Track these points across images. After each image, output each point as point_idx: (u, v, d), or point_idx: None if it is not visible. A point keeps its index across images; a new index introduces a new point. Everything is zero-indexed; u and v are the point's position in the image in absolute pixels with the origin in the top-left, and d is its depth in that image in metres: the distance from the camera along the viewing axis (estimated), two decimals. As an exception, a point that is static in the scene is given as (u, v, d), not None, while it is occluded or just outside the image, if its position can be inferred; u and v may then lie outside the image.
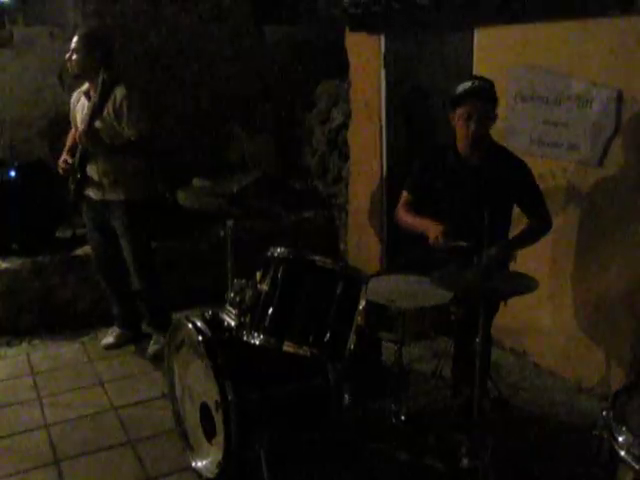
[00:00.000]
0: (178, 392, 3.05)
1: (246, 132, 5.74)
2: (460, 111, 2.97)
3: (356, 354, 2.60)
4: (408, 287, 2.90)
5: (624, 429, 1.80)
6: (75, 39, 3.74)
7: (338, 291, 2.52)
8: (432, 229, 2.94)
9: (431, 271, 2.70)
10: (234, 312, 2.71)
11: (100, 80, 3.63)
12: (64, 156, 3.92)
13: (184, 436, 3.00)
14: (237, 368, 2.61)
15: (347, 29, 5.13)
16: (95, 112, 3.69)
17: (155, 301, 4.09)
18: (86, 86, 3.83)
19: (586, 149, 3.40)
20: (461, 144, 3.05)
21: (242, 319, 2.59)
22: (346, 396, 2.86)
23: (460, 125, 3.00)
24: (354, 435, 2.96)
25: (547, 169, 3.58)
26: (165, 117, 5.43)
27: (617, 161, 3.29)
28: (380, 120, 4.88)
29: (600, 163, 3.36)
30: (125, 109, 3.68)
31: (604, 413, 1.90)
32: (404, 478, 2.78)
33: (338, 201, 5.58)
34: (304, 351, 2.49)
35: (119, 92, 3.69)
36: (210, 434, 2.75)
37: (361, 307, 2.60)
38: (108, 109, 3.70)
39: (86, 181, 3.88)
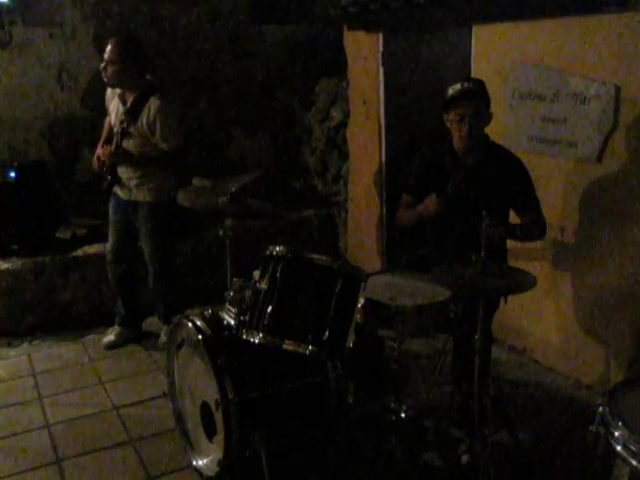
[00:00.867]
0: (178, 391, 3.06)
1: (245, 131, 5.75)
2: (452, 114, 2.97)
3: (356, 352, 2.61)
4: (407, 285, 2.90)
5: (620, 424, 1.81)
6: (109, 49, 3.68)
7: (337, 289, 2.52)
8: (428, 203, 3.01)
9: (431, 269, 2.71)
10: (234, 311, 2.71)
11: (135, 95, 3.66)
12: (99, 150, 3.87)
13: (185, 435, 3.01)
14: (237, 367, 2.61)
15: (345, 28, 5.14)
16: (125, 131, 3.71)
17: (170, 300, 4.13)
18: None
19: (584, 146, 3.40)
20: (457, 145, 3.06)
21: (241, 318, 2.59)
22: (347, 394, 2.86)
23: (454, 127, 3.00)
24: (354, 433, 2.97)
25: (546, 166, 3.59)
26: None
27: (616, 158, 3.29)
28: (379, 118, 4.89)
29: (599, 160, 3.36)
30: (159, 123, 3.67)
31: (600, 409, 1.90)
32: (404, 475, 2.78)
33: (337, 199, 5.59)
34: (303, 349, 2.49)
35: (153, 104, 3.67)
36: (211, 433, 2.76)
37: (360, 305, 2.60)
38: (142, 120, 3.70)
39: (117, 181, 3.90)
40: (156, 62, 5.26)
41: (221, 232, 3.31)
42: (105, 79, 3.76)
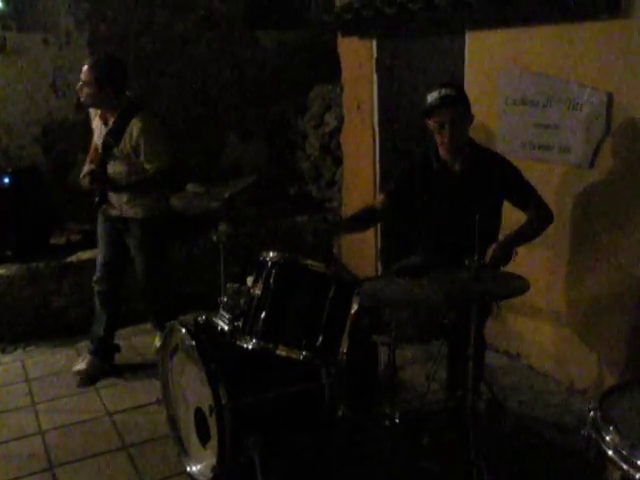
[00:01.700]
0: (172, 397, 3.06)
1: (240, 137, 5.76)
2: (431, 122, 2.99)
3: (350, 358, 2.61)
4: (401, 290, 2.91)
5: (611, 429, 1.82)
6: (85, 70, 3.58)
7: (331, 295, 2.53)
8: None
9: (424, 275, 2.72)
10: (227, 316, 2.71)
11: (116, 115, 3.58)
12: (86, 168, 3.74)
13: (179, 441, 3.00)
14: (231, 372, 2.61)
15: (339, 34, 5.16)
16: (109, 153, 3.61)
17: (163, 310, 4.00)
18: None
19: (577, 151, 3.42)
20: (441, 151, 3.07)
21: (235, 323, 2.60)
22: (341, 400, 2.86)
23: (435, 134, 3.01)
24: (348, 438, 2.97)
25: (538, 172, 3.60)
26: (157, 123, 5.44)
27: (608, 163, 3.31)
28: (373, 124, 4.90)
29: (591, 165, 3.38)
30: (142, 145, 3.57)
31: (592, 413, 1.91)
32: (398, 480, 2.79)
33: (332, 205, 5.60)
34: (297, 355, 2.50)
35: (136, 126, 3.56)
36: (204, 438, 2.76)
37: (354, 311, 2.61)
38: (124, 142, 3.60)
39: (105, 199, 3.78)
40: (150, 68, 5.32)
41: (215, 237, 3.31)
42: (82, 99, 3.68)
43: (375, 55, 4.75)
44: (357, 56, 4.96)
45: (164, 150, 3.64)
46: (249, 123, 5.75)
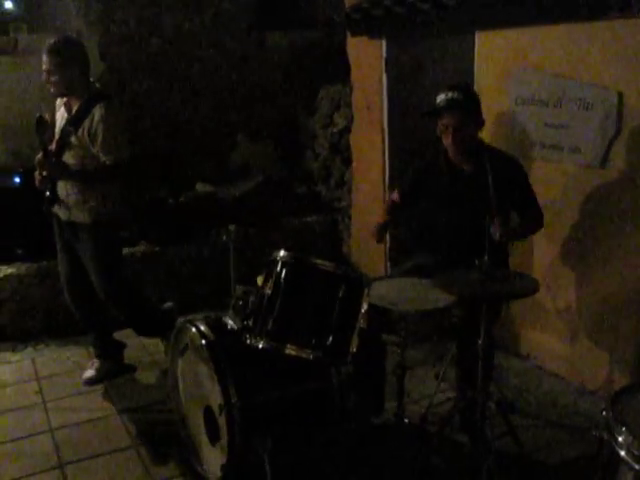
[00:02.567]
0: (182, 396, 3.06)
1: (249, 137, 5.77)
2: (439, 124, 2.99)
3: (359, 357, 2.61)
4: (411, 290, 2.91)
5: (624, 429, 1.81)
6: (45, 59, 3.37)
7: (340, 294, 2.53)
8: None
9: (434, 275, 2.71)
10: (237, 316, 2.72)
11: (81, 103, 3.40)
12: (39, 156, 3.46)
13: (188, 440, 3.01)
14: (240, 371, 2.61)
15: (349, 34, 5.16)
16: (66, 141, 3.43)
17: (139, 320, 3.87)
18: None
19: (588, 151, 3.40)
20: (450, 153, 3.07)
21: (245, 323, 2.60)
22: (351, 399, 2.86)
23: (443, 135, 3.01)
24: (357, 438, 2.97)
25: (549, 171, 3.59)
26: (168, 123, 5.47)
27: (619, 163, 3.29)
28: (382, 124, 4.90)
29: (602, 165, 3.36)
30: (100, 133, 3.36)
31: (604, 414, 1.90)
32: (407, 480, 2.78)
33: (341, 205, 5.60)
34: (307, 354, 2.50)
35: (97, 113, 3.37)
36: (214, 438, 2.76)
37: (363, 310, 2.61)
38: (83, 129, 3.40)
39: (55, 199, 3.55)
40: (160, 68, 5.34)
41: (225, 238, 3.31)
42: (52, 91, 3.49)
43: (385, 55, 4.74)
44: (366, 56, 4.96)
45: (122, 143, 3.44)
46: (258, 123, 5.76)
